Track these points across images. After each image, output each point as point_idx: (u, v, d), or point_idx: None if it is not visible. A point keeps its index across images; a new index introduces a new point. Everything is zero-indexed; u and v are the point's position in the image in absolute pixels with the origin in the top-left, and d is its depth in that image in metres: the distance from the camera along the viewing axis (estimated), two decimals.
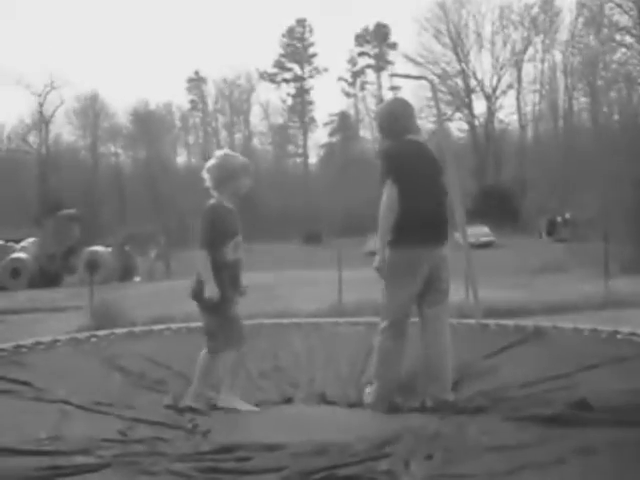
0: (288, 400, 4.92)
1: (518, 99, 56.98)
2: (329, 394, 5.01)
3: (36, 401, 4.56)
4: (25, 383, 4.95)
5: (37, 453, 3.47)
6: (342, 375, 5.55)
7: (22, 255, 31.11)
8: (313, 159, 68.69)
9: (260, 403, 4.79)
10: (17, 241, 32.74)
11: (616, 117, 46.24)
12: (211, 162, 4.76)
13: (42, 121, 63.30)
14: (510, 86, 56.82)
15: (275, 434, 3.90)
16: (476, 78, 56.73)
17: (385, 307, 4.69)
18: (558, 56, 55.87)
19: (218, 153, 4.85)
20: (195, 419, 4.27)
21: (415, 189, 4.57)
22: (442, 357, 4.68)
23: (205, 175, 4.75)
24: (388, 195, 4.50)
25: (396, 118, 4.78)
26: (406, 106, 4.98)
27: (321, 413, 4.68)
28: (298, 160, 68.74)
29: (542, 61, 56.21)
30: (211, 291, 4.54)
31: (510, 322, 7.54)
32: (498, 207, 45.66)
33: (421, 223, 4.56)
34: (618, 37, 40.07)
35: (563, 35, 54.60)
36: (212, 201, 4.73)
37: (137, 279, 30.06)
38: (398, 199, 4.51)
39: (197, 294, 4.68)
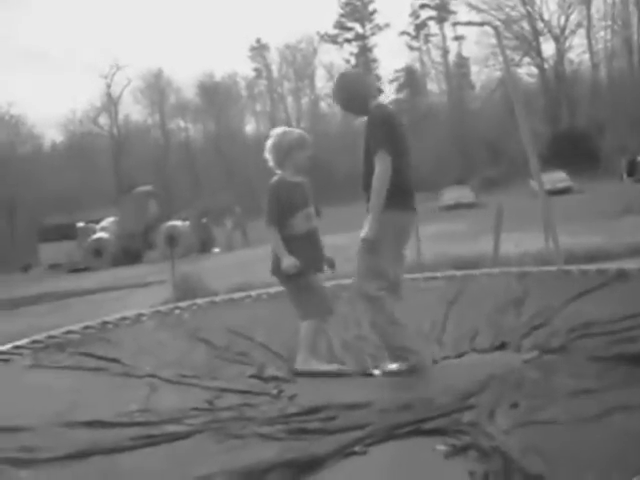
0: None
1: (589, 37, 55.06)
2: None
3: (125, 376, 4.68)
4: (113, 360, 5.08)
5: (130, 424, 3.58)
6: (423, 333, 5.55)
7: (103, 235, 31.97)
8: None
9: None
10: (97, 222, 33.61)
11: None
12: (269, 142, 4.79)
13: (111, 102, 64.41)
14: (579, 24, 54.93)
15: (360, 394, 3.91)
16: (543, 20, 55.04)
17: (379, 271, 4.50)
18: None
19: (274, 132, 4.87)
20: (280, 385, 4.32)
21: (404, 156, 4.58)
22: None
23: (266, 156, 4.79)
24: (384, 168, 4.39)
25: (356, 91, 4.67)
26: (358, 76, 4.96)
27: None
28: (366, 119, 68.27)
29: None
30: (287, 264, 4.63)
31: (592, 267, 7.39)
32: (574, 151, 44.55)
33: (409, 189, 4.63)
34: None
35: None
36: (276, 177, 4.79)
37: (216, 250, 30.52)
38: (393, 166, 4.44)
39: (275, 269, 4.78)
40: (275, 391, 4.19)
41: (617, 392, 3.41)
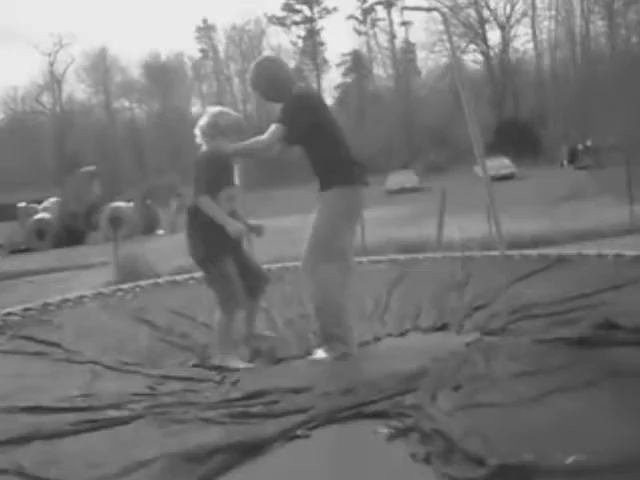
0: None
1: (533, 27, 55.90)
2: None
3: (66, 362, 4.62)
4: (55, 344, 5.01)
5: (71, 410, 3.53)
6: (366, 313, 5.60)
7: (45, 215, 31.37)
8: (328, 100, 67.97)
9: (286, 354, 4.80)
10: (39, 202, 32.97)
11: (635, 40, 45.34)
12: (203, 119, 4.64)
13: (54, 81, 63.20)
14: (524, 14, 55.73)
15: (302, 380, 3.93)
16: (489, 8, 55.67)
17: (318, 246, 4.41)
18: None
19: (210, 110, 4.72)
20: (222, 372, 4.31)
21: (336, 134, 4.50)
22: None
23: (196, 132, 4.63)
24: (274, 136, 4.31)
25: (274, 77, 4.54)
26: (275, 62, 4.71)
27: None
28: None
29: None
30: (234, 230, 4.44)
31: (534, 252, 7.52)
32: (518, 138, 45.24)
33: (353, 164, 4.49)
34: None
35: None
36: (206, 149, 4.61)
37: (160, 232, 30.21)
38: (324, 146, 4.40)
39: (193, 253, 4.71)
40: (218, 377, 4.18)
41: (557, 374, 3.47)
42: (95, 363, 4.52)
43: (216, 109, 4.73)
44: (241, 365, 4.54)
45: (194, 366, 4.56)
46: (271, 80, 4.52)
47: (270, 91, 4.57)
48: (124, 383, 4.11)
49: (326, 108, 4.60)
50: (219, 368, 4.44)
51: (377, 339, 5.01)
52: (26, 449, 3.05)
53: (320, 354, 4.43)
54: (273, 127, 4.31)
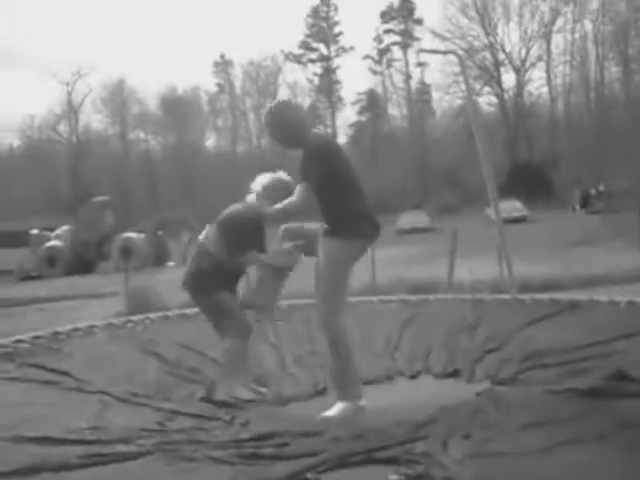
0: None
1: (548, 71, 56.12)
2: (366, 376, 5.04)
3: (76, 392, 4.62)
4: (64, 373, 5.01)
5: (79, 442, 3.52)
6: (377, 352, 5.60)
7: (57, 243, 31.51)
8: (342, 138, 68.41)
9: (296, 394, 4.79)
10: (51, 230, 33.09)
11: None
12: (266, 178, 4.90)
13: (71, 110, 63.77)
14: (539, 58, 55.95)
15: (313, 424, 3.92)
16: (504, 51, 55.95)
17: (332, 298, 4.34)
18: (588, 25, 54.77)
19: (279, 174, 4.94)
20: (232, 411, 4.29)
21: (353, 183, 4.46)
22: None
23: (255, 187, 4.88)
24: (304, 198, 4.30)
25: (289, 122, 4.43)
26: (290, 106, 4.59)
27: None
28: None
29: (572, 31, 55.20)
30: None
31: (545, 296, 7.50)
32: (530, 181, 45.23)
33: (367, 216, 4.44)
34: None
35: (593, 4, 53.59)
36: (249, 211, 4.80)
37: (171, 264, 30.25)
38: (337, 195, 4.35)
39: (189, 283, 4.86)
40: (227, 417, 4.16)
41: (567, 425, 3.45)
42: (104, 393, 4.52)
43: (283, 176, 4.92)
44: (247, 395, 4.57)
45: (202, 400, 4.55)
46: (286, 126, 4.42)
47: (285, 137, 4.49)
48: (133, 416, 4.11)
49: (343, 156, 4.53)
50: (228, 406, 4.42)
51: (389, 377, 5.01)
52: None
53: (332, 412, 4.28)
54: (300, 188, 4.29)
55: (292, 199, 4.32)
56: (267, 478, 3.00)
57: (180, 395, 4.66)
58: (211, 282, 4.73)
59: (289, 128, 4.42)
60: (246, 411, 4.34)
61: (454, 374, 5.08)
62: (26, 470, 3.13)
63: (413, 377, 5.10)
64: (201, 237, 4.94)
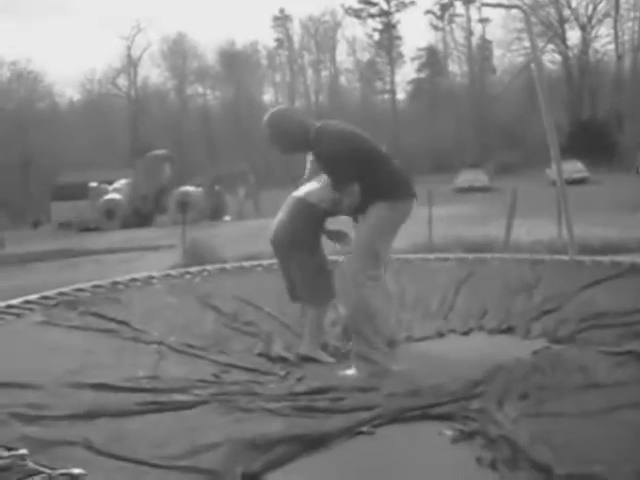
0: None
1: (615, 28, 54.40)
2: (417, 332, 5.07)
3: (133, 341, 4.69)
4: (123, 322, 5.09)
5: (137, 390, 3.59)
6: (431, 310, 5.58)
7: (115, 196, 32.00)
8: (401, 95, 67.66)
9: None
10: (110, 182, 33.57)
11: None
12: None
13: (130, 64, 64.21)
14: (607, 14, 54.25)
15: (368, 379, 3.92)
16: (570, 7, 54.43)
17: (369, 257, 4.27)
18: None
19: None
20: (288, 367, 4.32)
21: (383, 155, 4.45)
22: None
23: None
24: (351, 201, 4.30)
25: (287, 129, 4.36)
26: (286, 112, 4.57)
27: (412, 353, 4.68)
28: (386, 97, 67.70)
29: None
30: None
31: (605, 258, 7.35)
32: (593, 142, 44.29)
33: (406, 179, 4.47)
34: None
35: None
36: None
37: (227, 218, 30.52)
38: (376, 170, 4.32)
39: (286, 239, 4.72)
40: (283, 372, 4.19)
41: (626, 388, 3.40)
42: (161, 344, 4.58)
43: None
44: (327, 359, 4.55)
45: (259, 355, 4.58)
46: (283, 134, 4.38)
47: (286, 145, 4.46)
48: (190, 367, 4.16)
49: (360, 135, 4.46)
50: (284, 361, 4.45)
51: (440, 335, 5.00)
52: (93, 424, 3.12)
53: (350, 371, 4.24)
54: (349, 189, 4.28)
55: (346, 201, 4.32)
56: (321, 431, 3.02)
57: (236, 348, 4.69)
58: (312, 237, 4.68)
59: (287, 136, 4.38)
60: (301, 367, 4.35)
61: (508, 330, 5.03)
62: (85, 415, 3.20)
63: (466, 333, 5.07)
64: (298, 193, 4.80)
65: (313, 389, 3.65)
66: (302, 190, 4.79)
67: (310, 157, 4.79)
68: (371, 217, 4.30)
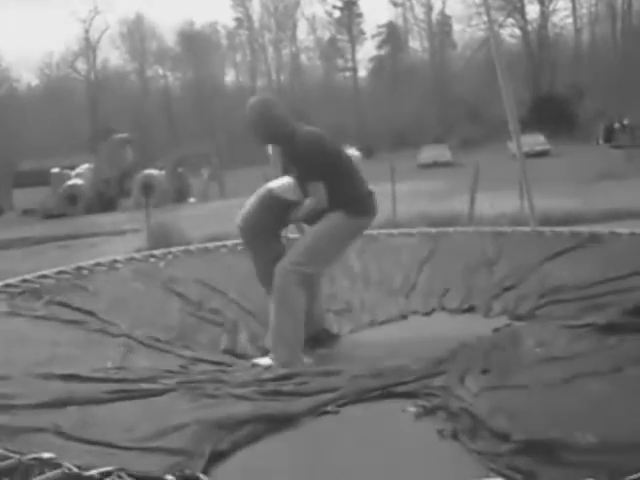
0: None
1: (573, 1, 54.84)
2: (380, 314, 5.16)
3: (100, 333, 4.70)
4: (89, 312, 5.07)
5: (105, 380, 3.61)
6: (394, 289, 5.66)
7: (78, 181, 31.69)
8: (363, 72, 67.57)
9: None
10: (72, 168, 33.24)
11: None
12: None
13: (89, 47, 63.37)
14: None
15: (332, 365, 4.01)
16: None
17: (310, 255, 4.38)
18: None
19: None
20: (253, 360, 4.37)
21: (352, 168, 4.57)
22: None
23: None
24: (319, 199, 4.38)
25: (270, 120, 4.40)
26: (267, 103, 4.52)
27: (375, 338, 4.80)
28: (347, 74, 67.59)
29: None
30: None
31: (565, 229, 7.47)
32: (553, 115, 44.69)
33: (369, 196, 4.60)
34: None
35: None
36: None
37: (191, 200, 30.40)
38: (342, 181, 4.43)
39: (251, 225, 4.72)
40: (249, 363, 4.26)
41: (584, 359, 3.49)
42: (128, 337, 4.59)
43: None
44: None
45: (225, 352, 4.63)
46: (265, 123, 4.41)
47: (266, 133, 4.49)
48: (156, 361, 4.20)
49: (336, 146, 4.59)
50: (250, 358, 4.47)
51: (403, 317, 5.09)
52: (62, 412, 3.12)
53: (264, 361, 4.27)
54: (313, 187, 4.35)
55: (312, 200, 4.39)
56: (287, 411, 3.09)
57: (202, 341, 4.75)
58: (276, 226, 4.68)
59: (269, 125, 4.41)
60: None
61: (470, 310, 5.14)
62: (54, 403, 3.21)
63: (427, 314, 5.16)
64: (270, 184, 4.75)
65: (279, 375, 3.71)
66: (275, 183, 4.82)
67: (274, 150, 4.84)
68: (326, 221, 4.40)
